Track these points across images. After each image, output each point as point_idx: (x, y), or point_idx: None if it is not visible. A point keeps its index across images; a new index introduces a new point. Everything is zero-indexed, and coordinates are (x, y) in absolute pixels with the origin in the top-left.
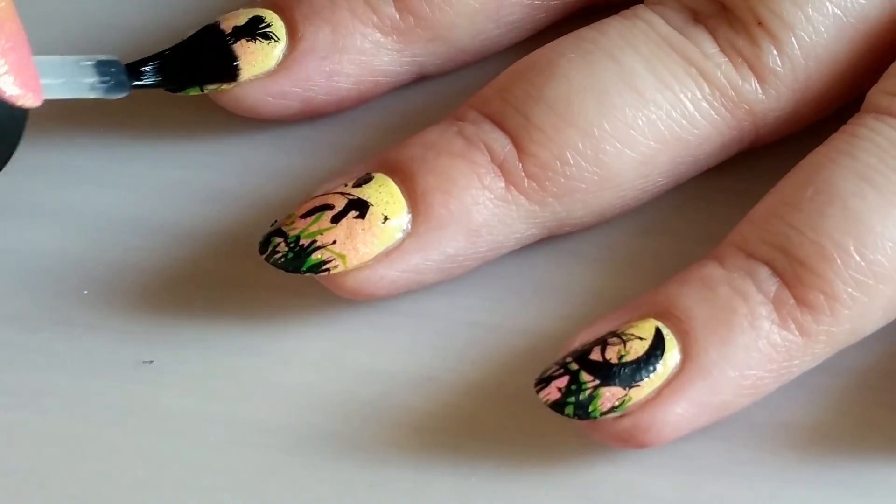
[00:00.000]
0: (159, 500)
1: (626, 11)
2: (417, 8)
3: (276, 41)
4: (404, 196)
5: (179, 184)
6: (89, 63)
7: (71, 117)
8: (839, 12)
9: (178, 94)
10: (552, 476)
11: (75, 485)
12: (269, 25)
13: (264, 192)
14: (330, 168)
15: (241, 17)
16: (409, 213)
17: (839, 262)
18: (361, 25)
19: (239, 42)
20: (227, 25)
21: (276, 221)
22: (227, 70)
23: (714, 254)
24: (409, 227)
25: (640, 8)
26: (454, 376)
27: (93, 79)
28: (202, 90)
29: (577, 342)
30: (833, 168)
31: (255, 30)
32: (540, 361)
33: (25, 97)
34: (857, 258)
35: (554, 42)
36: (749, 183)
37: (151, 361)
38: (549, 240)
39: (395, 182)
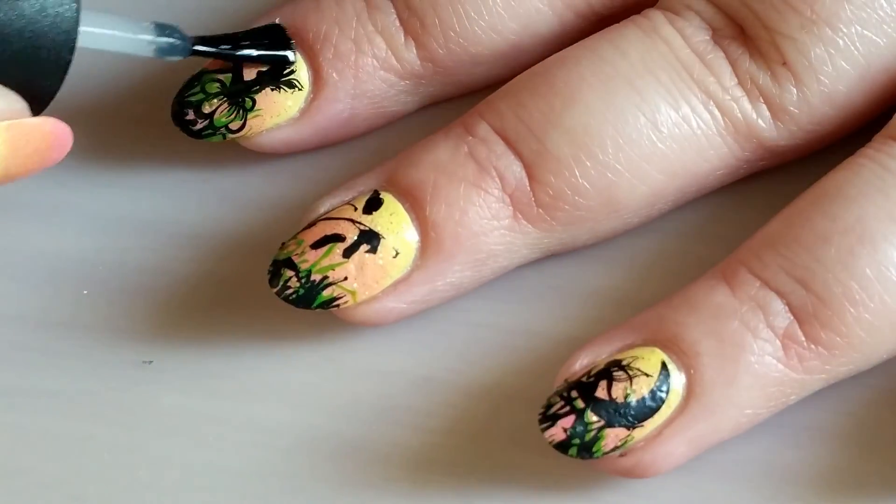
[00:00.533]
0: (159, 500)
1: (645, 23)
2: (439, 58)
3: (299, 90)
4: (413, 221)
5: (180, 184)
6: (148, 24)
7: (71, 118)
8: (864, 62)
9: (200, 139)
10: (552, 476)
11: (75, 485)
12: (293, 72)
13: (266, 192)
14: (332, 166)
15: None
16: (417, 233)
17: (862, 306)
18: (383, 72)
19: (263, 91)
20: (251, 69)
21: (283, 244)
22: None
23: (724, 274)
24: (418, 255)
25: (658, 19)
26: (454, 376)
27: (150, 37)
28: (224, 138)
29: (579, 364)
30: (864, 205)
31: (279, 77)
32: (540, 361)
33: None
34: (880, 305)
35: (570, 54)
36: (752, 184)
37: (151, 361)
38: None
39: (405, 208)
